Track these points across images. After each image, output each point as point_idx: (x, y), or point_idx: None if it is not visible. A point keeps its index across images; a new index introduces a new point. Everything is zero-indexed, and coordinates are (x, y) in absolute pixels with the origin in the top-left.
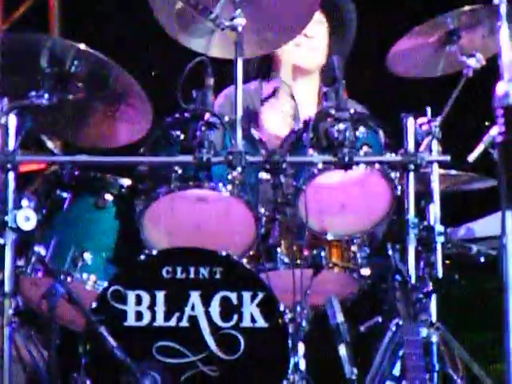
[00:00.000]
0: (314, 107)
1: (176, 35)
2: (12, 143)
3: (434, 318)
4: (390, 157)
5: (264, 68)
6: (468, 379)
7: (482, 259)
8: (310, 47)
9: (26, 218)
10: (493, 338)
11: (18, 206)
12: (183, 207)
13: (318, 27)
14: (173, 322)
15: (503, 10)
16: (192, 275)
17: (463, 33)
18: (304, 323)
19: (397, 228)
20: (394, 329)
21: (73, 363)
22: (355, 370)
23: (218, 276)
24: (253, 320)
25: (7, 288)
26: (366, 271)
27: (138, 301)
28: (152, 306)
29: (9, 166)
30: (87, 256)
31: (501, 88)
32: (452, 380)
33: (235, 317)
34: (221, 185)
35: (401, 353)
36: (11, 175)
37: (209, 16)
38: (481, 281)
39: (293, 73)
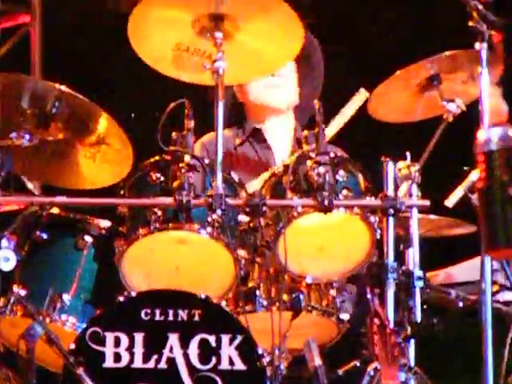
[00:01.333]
0: (289, 146)
1: (169, 71)
2: None
3: (412, 363)
4: (369, 201)
5: (236, 116)
6: None
7: (461, 304)
8: (279, 86)
9: (6, 258)
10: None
11: None
12: (163, 249)
13: (286, 66)
14: (151, 364)
15: (484, 55)
16: (171, 317)
17: (444, 78)
18: (282, 366)
19: (376, 272)
20: (372, 373)
21: None
22: None
23: (196, 318)
24: (231, 363)
25: None
26: (344, 315)
27: (117, 342)
28: (130, 348)
29: None
30: (66, 297)
31: (482, 134)
32: None
33: (214, 359)
34: (200, 227)
35: None
36: None
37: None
38: (460, 325)
39: (265, 115)
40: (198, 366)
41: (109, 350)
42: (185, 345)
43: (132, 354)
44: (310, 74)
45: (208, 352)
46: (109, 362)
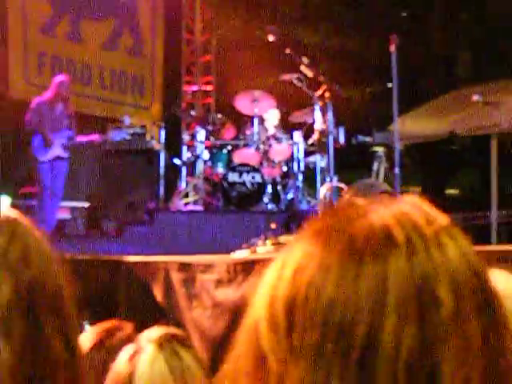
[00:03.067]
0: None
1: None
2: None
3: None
4: (297, 135)
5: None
6: None
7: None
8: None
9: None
10: None
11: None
12: (244, 154)
13: None
14: (241, 180)
15: (317, 107)
16: (245, 169)
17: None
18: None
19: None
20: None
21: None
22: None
23: (250, 169)
24: (261, 179)
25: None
26: (284, 168)
27: (232, 177)
28: (234, 176)
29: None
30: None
31: (318, 126)
32: None
33: (253, 178)
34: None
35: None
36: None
37: None
38: None
39: None
40: (251, 180)
41: (229, 176)
42: (248, 176)
43: (234, 175)
44: None
45: (254, 180)
46: (230, 180)
